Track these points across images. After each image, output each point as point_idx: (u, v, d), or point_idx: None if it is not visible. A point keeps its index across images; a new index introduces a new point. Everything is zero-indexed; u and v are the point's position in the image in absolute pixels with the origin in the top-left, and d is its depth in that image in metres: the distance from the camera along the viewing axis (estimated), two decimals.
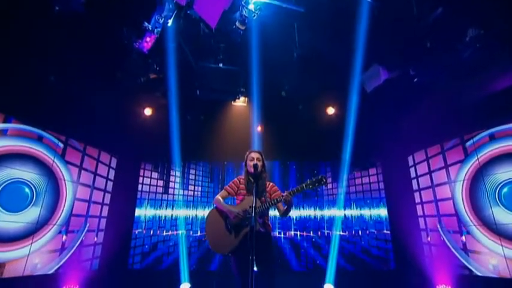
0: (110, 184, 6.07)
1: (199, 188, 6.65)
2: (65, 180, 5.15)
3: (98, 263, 5.64)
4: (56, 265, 4.92)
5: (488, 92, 4.50)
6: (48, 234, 4.82)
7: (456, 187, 5.05)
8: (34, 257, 4.60)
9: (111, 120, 5.67)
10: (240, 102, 6.21)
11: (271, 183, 3.26)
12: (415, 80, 4.81)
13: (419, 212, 5.67)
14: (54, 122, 5.04)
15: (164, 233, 6.26)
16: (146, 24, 4.00)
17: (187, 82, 5.20)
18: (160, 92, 5.61)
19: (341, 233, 6.15)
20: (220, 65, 4.97)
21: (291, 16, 4.17)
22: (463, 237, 4.88)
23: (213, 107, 6.27)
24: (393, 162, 6.26)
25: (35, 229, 4.63)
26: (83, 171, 5.50)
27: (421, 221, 5.63)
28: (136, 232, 6.18)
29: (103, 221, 5.84)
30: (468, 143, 4.97)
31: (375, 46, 4.43)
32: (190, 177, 6.69)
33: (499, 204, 4.41)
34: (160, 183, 6.63)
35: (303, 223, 6.31)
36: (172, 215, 6.39)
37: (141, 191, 6.47)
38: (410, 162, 5.96)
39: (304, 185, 2.86)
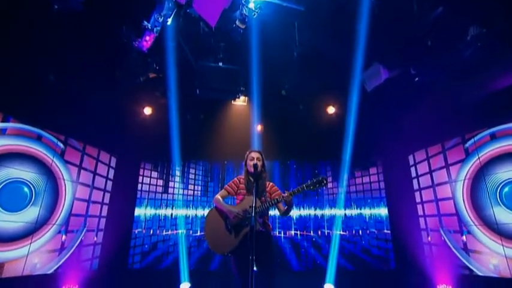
0: (110, 183, 6.06)
1: (199, 188, 6.64)
2: (64, 179, 5.14)
3: (98, 263, 5.63)
4: (55, 265, 4.91)
5: (489, 91, 4.48)
6: (48, 234, 4.81)
7: (457, 186, 5.04)
8: (33, 256, 4.59)
9: (111, 119, 5.65)
10: (240, 101, 6.19)
11: (271, 183, 3.25)
12: (416, 79, 4.79)
13: (420, 212, 5.66)
14: (53, 121, 5.02)
15: (164, 233, 6.24)
16: (145, 23, 3.97)
17: (187, 81, 5.18)
18: (160, 91, 5.60)
19: (341, 232, 6.13)
20: (220, 64, 4.95)
21: (291, 15, 4.15)
22: (464, 237, 4.86)
23: (212, 106, 6.26)
24: (394, 161, 6.24)
25: (34, 229, 4.61)
26: (82, 171, 5.49)
27: (421, 220, 5.62)
28: (136, 232, 6.16)
29: (103, 221, 5.82)
30: (469, 143, 4.96)
31: (376, 45, 4.41)
32: (190, 177, 6.68)
33: (500, 203, 4.40)
34: (160, 182, 6.62)
35: (303, 222, 6.29)
36: (172, 215, 6.37)
37: (141, 191, 6.46)
38: (411, 162, 5.94)
39: (304, 185, 2.85)
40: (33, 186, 4.65)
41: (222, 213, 3.08)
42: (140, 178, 6.52)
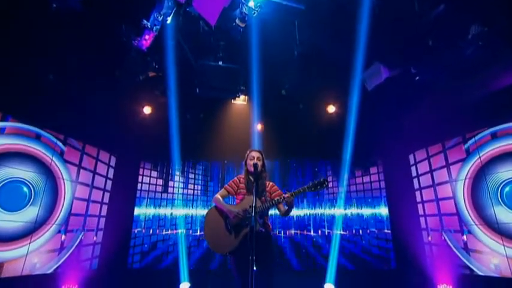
0: (109, 183, 6.04)
1: (199, 187, 6.62)
2: (63, 179, 5.12)
3: (97, 263, 5.61)
4: (55, 264, 4.90)
5: (490, 90, 4.46)
6: (47, 233, 4.80)
7: (457, 186, 5.02)
8: (33, 256, 4.57)
9: (110, 118, 5.63)
10: (240, 100, 6.17)
11: (271, 183, 3.24)
12: (417, 78, 4.77)
13: (420, 211, 5.64)
14: (52, 121, 4.99)
15: (164, 232, 6.23)
16: (145, 21, 3.95)
17: (187, 80, 5.16)
18: (160, 90, 5.58)
19: (341, 232, 6.12)
20: (220, 63, 4.92)
21: (292, 13, 4.13)
22: (464, 237, 4.85)
23: (212, 105, 6.24)
24: (394, 160, 6.22)
25: (34, 228, 4.60)
26: (81, 170, 5.47)
27: (422, 220, 5.60)
28: (136, 231, 6.15)
29: (102, 220, 5.81)
30: (470, 142, 4.94)
31: (376, 44, 4.39)
32: (189, 176, 6.66)
33: (501, 203, 4.38)
34: (160, 182, 6.60)
35: (303, 222, 6.28)
36: (171, 214, 6.36)
37: (141, 190, 6.44)
38: (411, 161, 5.93)
39: (306, 187, 2.85)
40: (33, 186, 4.63)
41: (222, 212, 3.06)
42: (140, 177, 6.50)
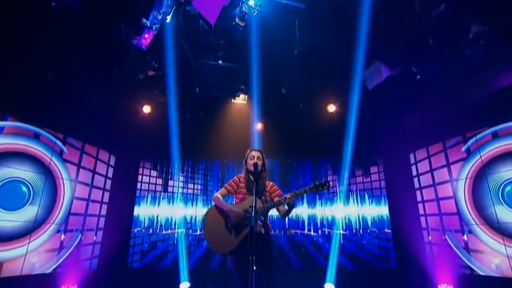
0: (109, 182, 6.02)
1: (199, 186, 6.61)
2: (62, 178, 5.10)
3: (97, 262, 5.60)
4: (54, 264, 4.88)
5: (491, 90, 4.45)
6: (46, 233, 4.78)
7: (458, 185, 5.01)
8: (32, 256, 4.56)
9: (110, 118, 5.62)
10: (240, 99, 6.14)
11: (271, 183, 3.23)
12: (417, 77, 4.75)
13: (421, 211, 5.63)
14: (51, 120, 4.98)
15: (163, 232, 6.22)
16: (144, 20, 3.93)
17: (186, 79, 5.14)
18: (159, 90, 5.56)
19: (342, 231, 6.10)
20: (220, 61, 4.90)
21: (292, 12, 4.11)
22: (465, 236, 4.84)
23: (212, 104, 6.22)
24: (395, 160, 6.21)
25: (33, 228, 4.58)
26: (81, 170, 5.45)
27: (422, 219, 5.59)
28: (136, 231, 6.14)
29: (102, 220, 5.80)
30: (470, 141, 4.92)
31: (377, 43, 4.37)
32: (189, 176, 6.65)
33: (502, 202, 4.37)
34: (160, 181, 6.59)
35: (303, 221, 6.26)
36: (171, 214, 6.34)
37: (140, 189, 6.43)
38: (412, 160, 5.91)
39: (307, 188, 2.83)
40: (32, 185, 4.62)
41: (222, 212, 3.05)
42: (139, 177, 6.49)
